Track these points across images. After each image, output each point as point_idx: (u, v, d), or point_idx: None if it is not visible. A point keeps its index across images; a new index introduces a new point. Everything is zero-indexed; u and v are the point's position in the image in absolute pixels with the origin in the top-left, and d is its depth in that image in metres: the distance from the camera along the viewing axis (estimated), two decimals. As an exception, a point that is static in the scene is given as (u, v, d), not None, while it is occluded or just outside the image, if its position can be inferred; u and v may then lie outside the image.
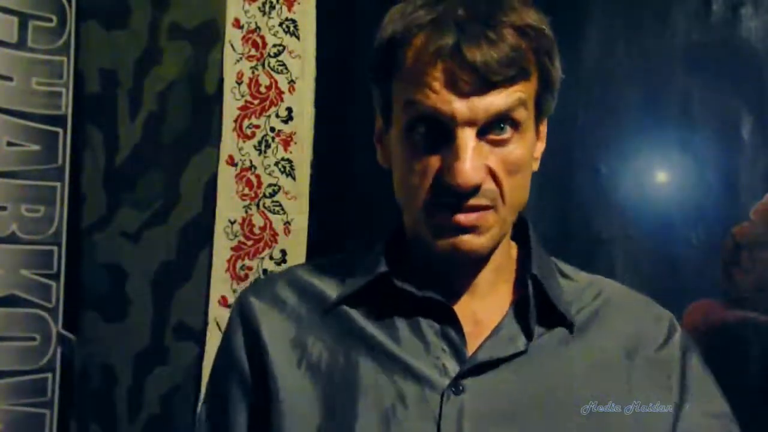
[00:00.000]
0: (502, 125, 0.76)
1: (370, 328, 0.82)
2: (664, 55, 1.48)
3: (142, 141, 1.78)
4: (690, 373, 0.83)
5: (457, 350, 0.80)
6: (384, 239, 0.87)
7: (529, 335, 0.80)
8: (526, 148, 0.79)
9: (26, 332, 1.68)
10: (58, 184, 1.72)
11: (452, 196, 0.75)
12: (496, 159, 0.76)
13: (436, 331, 0.81)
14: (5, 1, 1.65)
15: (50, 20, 1.72)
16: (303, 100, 1.67)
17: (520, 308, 0.82)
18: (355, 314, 0.83)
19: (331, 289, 0.86)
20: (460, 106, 0.74)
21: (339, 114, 1.67)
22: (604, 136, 1.47)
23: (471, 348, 0.80)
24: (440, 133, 0.76)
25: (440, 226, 0.77)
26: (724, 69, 1.46)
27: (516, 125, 0.77)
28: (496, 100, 0.75)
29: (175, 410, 1.71)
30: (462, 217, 0.76)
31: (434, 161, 0.76)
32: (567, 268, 0.90)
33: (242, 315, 0.87)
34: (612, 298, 0.87)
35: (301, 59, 1.67)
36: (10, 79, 1.67)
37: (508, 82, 0.75)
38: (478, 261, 0.82)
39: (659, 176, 1.50)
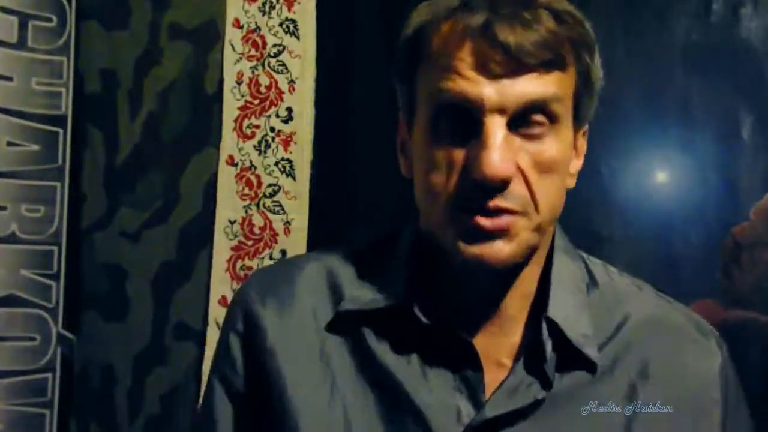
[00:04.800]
0: (535, 118, 0.69)
1: (382, 355, 0.75)
2: (664, 55, 1.48)
3: (142, 141, 1.78)
4: (730, 402, 0.77)
5: (474, 392, 0.73)
6: (407, 243, 0.79)
7: (547, 383, 0.72)
8: (562, 149, 0.71)
9: (26, 332, 1.67)
10: (58, 184, 1.72)
11: (478, 195, 0.68)
12: (528, 157, 0.69)
13: (453, 371, 0.73)
14: (5, 1, 1.65)
15: (50, 20, 1.71)
16: (303, 100, 1.67)
17: (537, 349, 0.73)
18: (370, 336, 0.76)
19: (347, 293, 0.78)
20: (489, 90, 0.67)
21: (339, 114, 1.67)
22: (604, 135, 1.47)
23: (489, 391, 0.73)
24: (467, 125, 0.68)
25: (464, 231, 0.69)
26: (724, 69, 1.46)
27: (551, 120, 0.69)
28: (530, 87, 0.67)
29: (175, 410, 1.71)
30: (487, 222, 0.68)
31: (460, 156, 0.69)
32: (599, 272, 0.81)
33: (245, 312, 0.80)
34: (644, 321, 0.78)
35: (301, 59, 1.67)
36: (10, 79, 1.66)
37: (543, 67, 0.67)
38: (504, 279, 0.74)
39: (659, 176, 1.50)
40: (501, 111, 0.67)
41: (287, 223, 1.66)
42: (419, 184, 0.74)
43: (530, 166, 0.69)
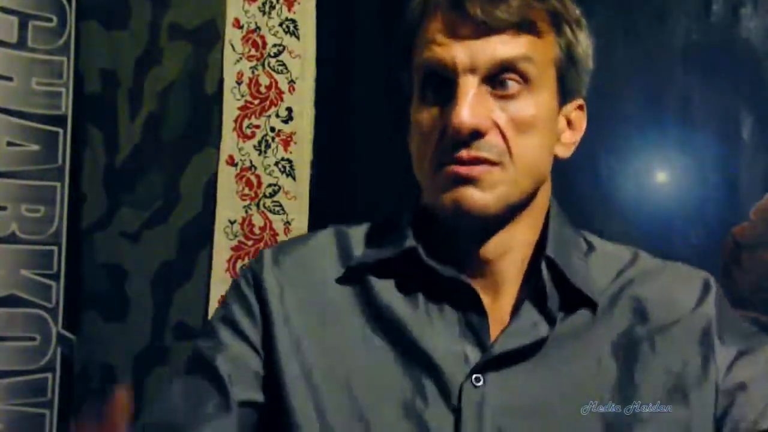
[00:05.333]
0: (507, 77, 0.74)
1: (392, 304, 0.78)
2: (664, 55, 1.48)
3: (142, 141, 1.78)
4: (726, 324, 0.79)
5: (479, 337, 0.76)
6: (411, 210, 0.83)
7: (551, 320, 0.76)
8: (539, 109, 0.75)
9: (26, 332, 1.68)
10: (58, 184, 1.72)
11: (454, 147, 0.73)
12: (505, 115, 0.74)
13: (459, 316, 0.77)
14: (5, 1, 1.65)
15: (50, 20, 1.72)
16: (303, 100, 1.67)
17: (538, 292, 0.77)
18: (378, 284, 0.80)
19: (356, 253, 0.83)
20: (460, 53, 0.73)
21: (339, 114, 1.67)
22: (604, 135, 1.47)
23: (494, 335, 0.76)
24: (447, 88, 0.74)
25: (444, 181, 0.74)
26: (724, 69, 1.46)
27: (524, 80, 0.74)
28: (499, 48, 0.73)
29: (175, 410, 1.71)
30: (462, 169, 0.73)
31: (440, 118, 0.75)
32: (596, 241, 0.86)
33: (254, 273, 0.83)
34: (639, 272, 0.82)
35: (301, 59, 1.67)
36: (10, 79, 1.66)
37: (510, 29, 0.73)
38: (492, 233, 0.78)
39: (659, 176, 1.50)
40: (473, 71, 0.73)
41: (287, 223, 1.66)
42: (412, 150, 0.80)
43: (507, 122, 0.74)
